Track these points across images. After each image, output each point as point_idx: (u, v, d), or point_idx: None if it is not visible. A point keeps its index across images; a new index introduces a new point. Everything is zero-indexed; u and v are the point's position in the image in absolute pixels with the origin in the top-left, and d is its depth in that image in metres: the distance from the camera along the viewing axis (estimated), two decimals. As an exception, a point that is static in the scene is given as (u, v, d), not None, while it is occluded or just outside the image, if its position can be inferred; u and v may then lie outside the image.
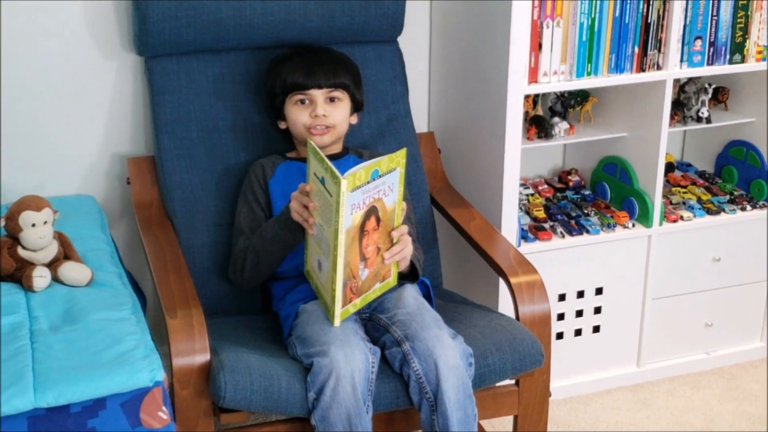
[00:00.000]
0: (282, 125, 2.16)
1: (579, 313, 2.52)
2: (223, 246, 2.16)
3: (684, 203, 2.62)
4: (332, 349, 1.74)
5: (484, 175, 2.35)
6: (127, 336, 1.62)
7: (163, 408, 1.55)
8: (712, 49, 2.40)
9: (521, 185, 2.66)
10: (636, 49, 2.32)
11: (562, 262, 2.44)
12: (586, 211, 2.54)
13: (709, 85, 2.58)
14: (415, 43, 2.51)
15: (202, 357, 1.76)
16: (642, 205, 2.48)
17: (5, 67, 2.20)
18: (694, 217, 2.55)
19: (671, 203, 2.61)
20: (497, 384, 1.92)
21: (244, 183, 2.13)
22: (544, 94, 2.54)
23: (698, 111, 2.57)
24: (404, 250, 1.88)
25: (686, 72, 2.40)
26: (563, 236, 2.44)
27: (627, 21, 2.29)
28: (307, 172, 1.83)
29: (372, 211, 1.78)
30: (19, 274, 1.78)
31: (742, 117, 2.64)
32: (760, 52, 2.45)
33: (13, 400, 1.44)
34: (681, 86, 2.63)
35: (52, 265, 1.81)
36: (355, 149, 2.20)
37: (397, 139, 2.33)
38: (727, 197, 2.65)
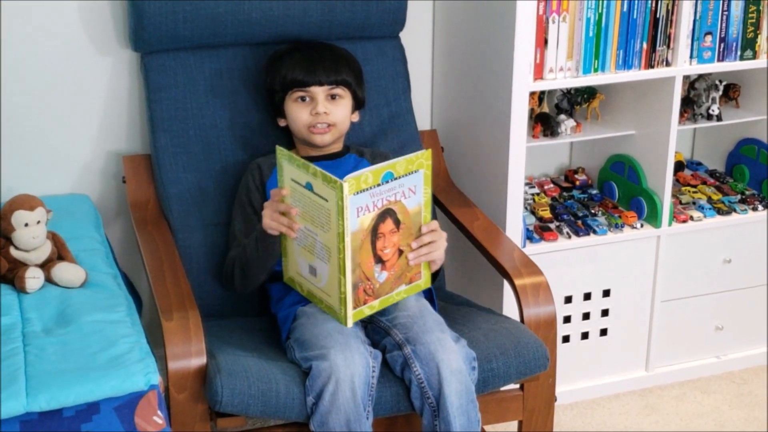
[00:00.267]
0: (282, 123, 2.17)
1: (586, 316, 2.52)
2: (221, 246, 2.16)
3: (694, 203, 2.62)
4: (332, 353, 1.74)
5: (488, 174, 2.36)
6: (122, 338, 1.62)
7: (159, 412, 1.55)
8: (722, 45, 2.40)
9: (526, 184, 2.66)
10: (644, 45, 2.32)
11: (568, 263, 2.44)
12: (593, 211, 2.54)
13: (720, 81, 2.58)
14: (417, 38, 2.51)
15: (199, 360, 1.76)
16: (651, 205, 2.48)
17: (-2, 63, 2.21)
18: (704, 218, 2.55)
19: (681, 203, 2.61)
20: (501, 388, 1.92)
21: (240, 184, 2.13)
22: (550, 91, 2.54)
23: (708, 108, 2.57)
24: (433, 252, 1.87)
25: (696, 68, 2.40)
26: (569, 237, 2.44)
27: (635, 16, 2.29)
28: (280, 179, 1.83)
29: (387, 214, 1.77)
30: (11, 275, 1.79)
31: (753, 114, 2.64)
32: (772, 48, 2.45)
33: (4, 404, 1.44)
34: (691, 83, 2.62)
35: (46, 265, 1.81)
36: (355, 148, 2.20)
37: (398, 137, 2.34)
38: (739, 197, 2.65)
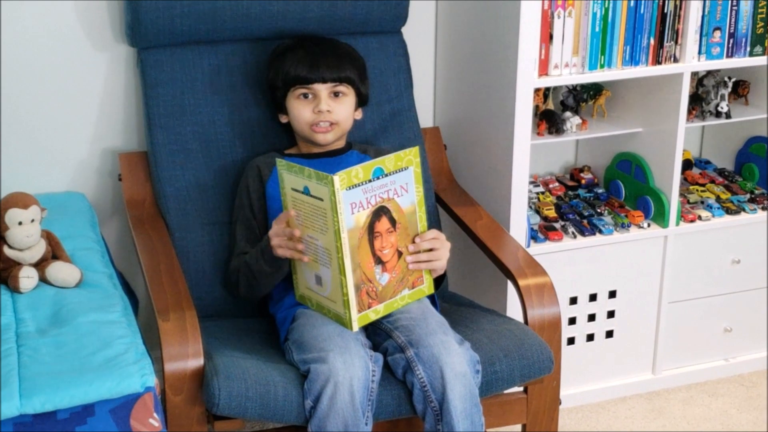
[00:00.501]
0: (283, 119, 2.17)
1: (591, 317, 2.52)
2: (219, 246, 2.16)
3: (702, 202, 2.61)
4: (331, 356, 1.74)
5: (492, 172, 2.35)
6: (118, 339, 1.63)
7: (155, 415, 1.55)
8: (731, 41, 2.40)
9: (531, 183, 2.66)
10: (652, 41, 2.32)
11: (573, 263, 2.44)
12: (599, 210, 2.54)
13: (729, 78, 2.58)
14: (419, 33, 2.51)
15: (196, 362, 1.76)
16: (658, 204, 2.48)
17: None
18: (712, 217, 2.54)
19: (689, 202, 2.61)
20: (505, 391, 1.92)
21: (239, 187, 2.13)
22: (555, 88, 2.53)
23: (717, 105, 2.57)
24: (434, 262, 1.88)
25: (704, 65, 2.40)
26: (575, 236, 2.44)
27: (642, 11, 2.29)
28: (283, 195, 1.85)
29: (382, 212, 1.79)
30: (5, 275, 1.79)
31: (763, 112, 2.63)
32: (782, 44, 2.45)
33: (-3, 406, 1.45)
34: (699, 79, 2.62)
35: (40, 265, 1.81)
36: (358, 145, 2.20)
37: (400, 135, 2.34)
38: (748, 196, 2.65)
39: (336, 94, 2.09)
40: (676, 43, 2.34)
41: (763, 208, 2.59)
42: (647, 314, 2.56)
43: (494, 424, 1.97)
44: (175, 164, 2.19)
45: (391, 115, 2.34)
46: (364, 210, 1.76)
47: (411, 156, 1.82)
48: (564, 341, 2.46)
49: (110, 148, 2.36)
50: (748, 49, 2.43)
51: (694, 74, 2.54)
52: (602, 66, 2.30)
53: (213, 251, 2.16)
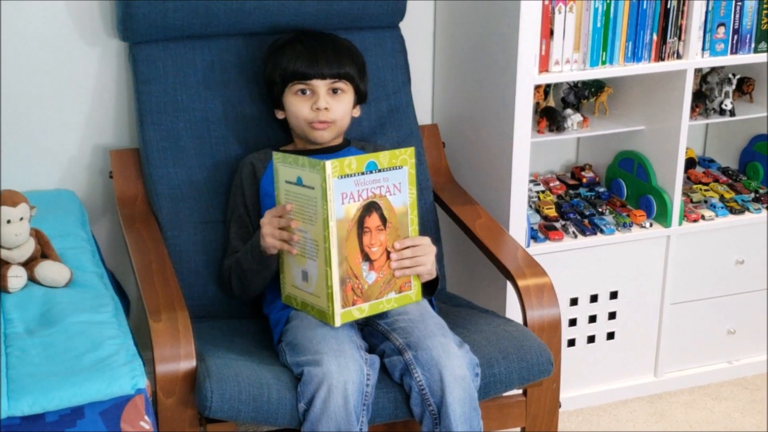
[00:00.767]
0: (280, 115, 2.17)
1: (592, 319, 2.52)
2: (212, 245, 2.16)
3: (705, 201, 2.62)
4: (325, 359, 1.74)
5: (491, 170, 2.36)
6: (108, 340, 1.62)
7: (146, 417, 1.55)
8: (736, 37, 2.40)
9: (531, 181, 2.66)
10: (654, 37, 2.32)
11: (574, 263, 2.44)
12: (600, 210, 2.54)
13: (733, 75, 2.58)
14: (418, 29, 2.51)
15: (188, 363, 1.76)
16: (660, 204, 2.48)
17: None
18: (716, 217, 2.55)
19: (692, 201, 2.61)
20: (504, 394, 1.92)
21: (233, 184, 2.13)
22: (555, 84, 2.54)
23: (721, 103, 2.57)
24: (416, 267, 1.87)
25: (708, 61, 2.40)
26: (576, 236, 2.44)
27: (645, 6, 2.29)
28: (277, 189, 1.86)
29: (373, 207, 1.80)
30: (-7, 274, 1.79)
31: (768, 110, 2.65)
32: (787, 41, 2.45)
33: (-15, 408, 1.45)
34: (703, 76, 2.62)
35: (29, 264, 1.81)
36: (356, 141, 2.20)
37: (398, 132, 2.34)
38: (752, 195, 2.65)
39: (335, 91, 2.09)
40: (680, 39, 2.34)
41: (767, 208, 2.59)
42: (649, 316, 2.57)
43: (493, 428, 1.97)
44: (168, 161, 2.19)
45: (388, 111, 2.34)
46: (354, 202, 1.78)
47: (406, 156, 1.84)
48: (564, 343, 2.46)
49: (101, 144, 2.36)
50: (753, 45, 2.43)
51: (697, 71, 2.55)
52: (604, 62, 2.30)
53: (206, 250, 2.16)
